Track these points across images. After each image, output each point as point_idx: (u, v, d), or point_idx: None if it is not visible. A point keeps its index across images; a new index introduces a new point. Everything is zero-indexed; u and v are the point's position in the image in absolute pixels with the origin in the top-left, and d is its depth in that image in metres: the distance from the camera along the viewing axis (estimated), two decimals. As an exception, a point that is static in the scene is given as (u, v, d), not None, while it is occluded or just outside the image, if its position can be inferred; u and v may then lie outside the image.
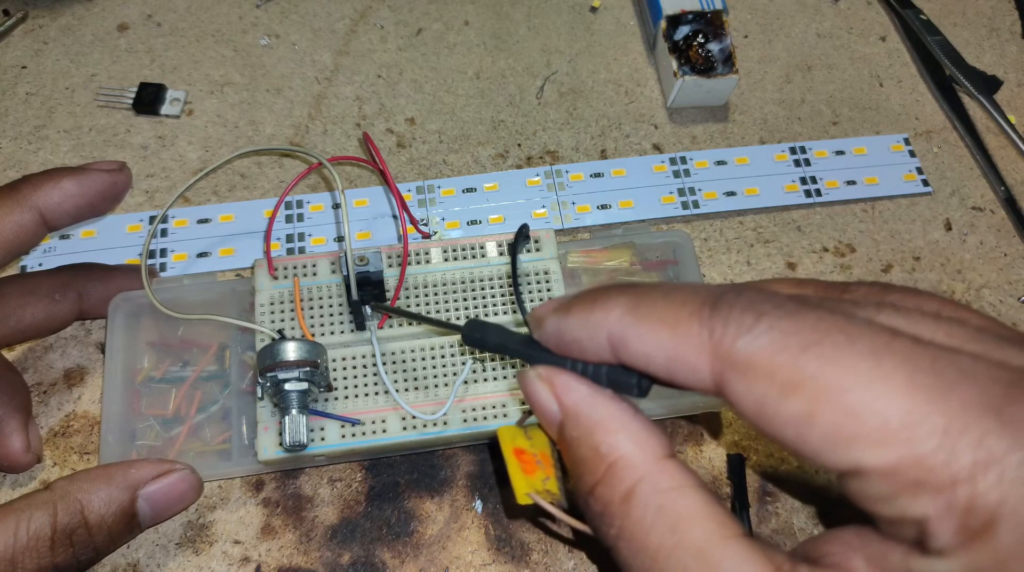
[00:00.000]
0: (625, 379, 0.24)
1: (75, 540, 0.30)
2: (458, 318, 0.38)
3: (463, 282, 0.39)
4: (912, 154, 0.48)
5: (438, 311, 0.38)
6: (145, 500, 0.32)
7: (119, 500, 0.31)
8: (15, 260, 0.42)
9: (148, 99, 0.47)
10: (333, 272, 0.39)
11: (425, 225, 0.44)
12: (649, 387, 0.24)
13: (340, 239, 0.44)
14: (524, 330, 0.37)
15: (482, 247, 0.40)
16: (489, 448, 0.39)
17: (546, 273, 0.39)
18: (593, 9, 0.53)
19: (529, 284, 0.39)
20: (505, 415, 0.36)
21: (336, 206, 0.45)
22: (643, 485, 0.22)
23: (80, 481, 0.31)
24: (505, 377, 0.37)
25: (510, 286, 0.39)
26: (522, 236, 0.38)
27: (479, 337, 0.28)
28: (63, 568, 0.30)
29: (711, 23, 0.47)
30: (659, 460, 0.22)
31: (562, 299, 0.25)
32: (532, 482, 0.27)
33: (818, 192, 0.46)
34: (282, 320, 0.37)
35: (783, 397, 0.19)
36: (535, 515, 0.37)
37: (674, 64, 0.47)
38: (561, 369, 0.25)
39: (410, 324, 0.38)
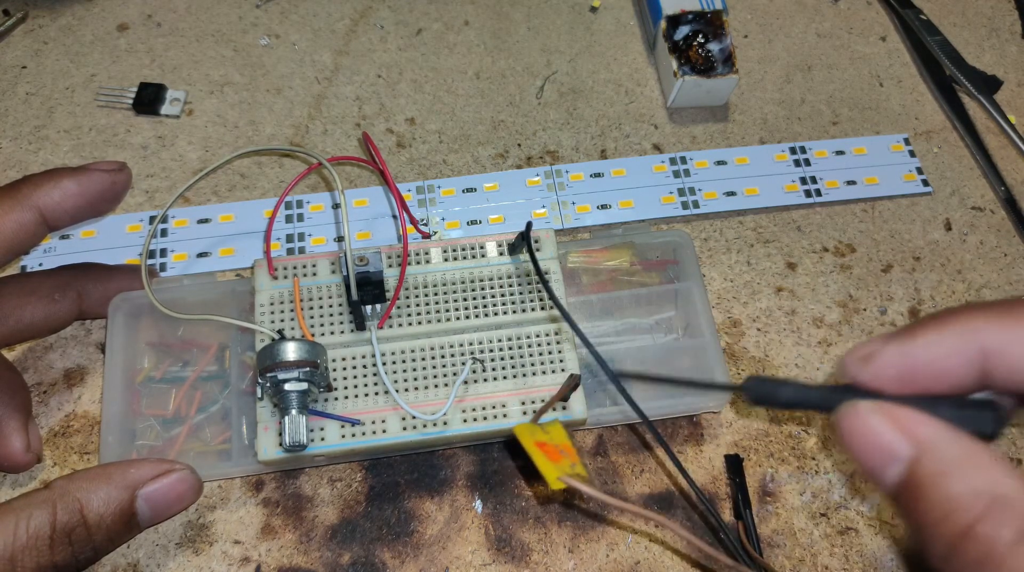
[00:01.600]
0: (978, 415, 0.22)
1: (74, 539, 0.30)
2: (459, 318, 0.38)
3: (463, 282, 0.39)
4: (912, 154, 0.48)
5: (438, 311, 0.38)
6: (144, 500, 0.32)
7: (118, 500, 0.31)
8: (15, 260, 0.42)
9: (148, 99, 0.47)
10: (333, 272, 0.39)
11: (425, 225, 0.44)
12: (1003, 425, 0.23)
13: (340, 239, 0.44)
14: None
15: (482, 247, 0.40)
16: (489, 448, 0.39)
17: (546, 273, 0.39)
18: (593, 9, 0.53)
19: (529, 284, 0.39)
20: (505, 415, 0.36)
21: (336, 206, 0.45)
22: None
23: (79, 480, 0.31)
24: (505, 378, 0.37)
25: (511, 286, 0.39)
26: (527, 234, 0.38)
27: (769, 393, 0.25)
28: (62, 567, 0.30)
29: (711, 23, 0.47)
30: None
31: (888, 334, 0.23)
32: (561, 468, 0.27)
33: (818, 192, 0.46)
34: (282, 320, 0.37)
35: None
36: (539, 514, 0.37)
37: (674, 64, 0.47)
38: (901, 406, 0.22)
39: (410, 325, 0.38)
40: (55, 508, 0.30)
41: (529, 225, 0.37)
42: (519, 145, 0.48)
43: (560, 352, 0.38)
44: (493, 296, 0.39)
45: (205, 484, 0.38)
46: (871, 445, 0.22)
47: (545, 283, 0.35)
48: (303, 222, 0.44)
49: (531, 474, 0.38)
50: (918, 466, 0.21)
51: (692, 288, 0.40)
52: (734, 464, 0.38)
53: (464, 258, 0.39)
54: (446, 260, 0.39)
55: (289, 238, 0.44)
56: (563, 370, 0.37)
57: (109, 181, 0.36)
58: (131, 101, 0.48)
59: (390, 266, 0.39)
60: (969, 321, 0.22)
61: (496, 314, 0.38)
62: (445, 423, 0.36)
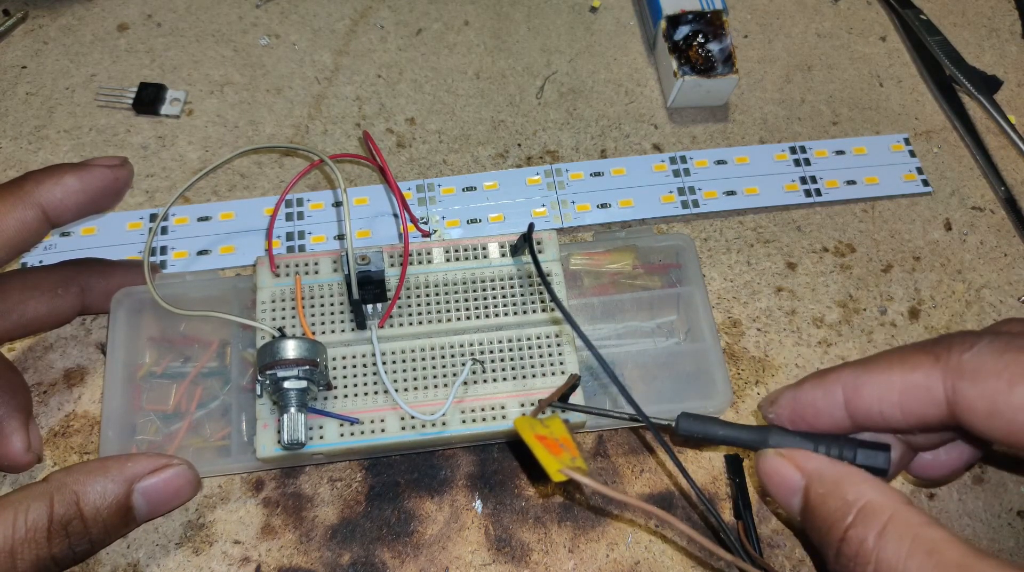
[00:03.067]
0: (875, 454, 0.29)
1: (71, 531, 0.30)
2: (460, 319, 0.38)
3: (464, 282, 0.39)
4: (912, 154, 0.48)
5: (439, 311, 0.38)
6: (141, 494, 0.32)
7: (115, 493, 0.31)
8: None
9: (148, 99, 0.47)
10: (335, 270, 0.39)
11: (425, 223, 0.44)
12: (888, 464, 0.29)
13: (340, 237, 0.44)
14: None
15: (484, 248, 0.40)
16: (489, 448, 0.39)
17: (548, 275, 0.39)
18: (593, 9, 0.53)
19: (531, 286, 0.39)
20: (504, 417, 0.36)
21: (336, 204, 0.45)
22: (896, 521, 0.25)
23: (76, 473, 0.31)
24: (505, 379, 0.37)
25: (512, 287, 0.39)
26: (529, 236, 0.38)
27: (698, 430, 0.32)
28: (59, 559, 0.30)
29: (711, 23, 0.47)
30: (903, 502, 0.25)
31: (790, 384, 0.31)
32: (562, 460, 0.28)
33: (818, 192, 0.46)
34: (283, 318, 0.37)
35: (1012, 387, 0.24)
36: (539, 514, 0.37)
37: (674, 64, 0.47)
38: (795, 449, 0.29)
39: (411, 324, 0.38)
40: (52, 501, 0.30)
41: (531, 226, 0.37)
42: (519, 145, 0.48)
43: (560, 354, 0.38)
44: (494, 297, 0.39)
45: (204, 482, 0.38)
46: (778, 480, 0.29)
47: (547, 284, 0.35)
48: (303, 220, 0.44)
49: (532, 469, 0.38)
50: (808, 491, 0.28)
51: (694, 292, 0.40)
52: (734, 464, 0.38)
53: (466, 258, 0.39)
54: (448, 260, 0.39)
55: (289, 236, 0.44)
56: (563, 372, 0.37)
57: (111, 177, 0.36)
58: (131, 101, 0.48)
59: (391, 265, 0.39)
60: (836, 374, 0.29)
61: (497, 315, 0.38)
62: (444, 423, 0.36)
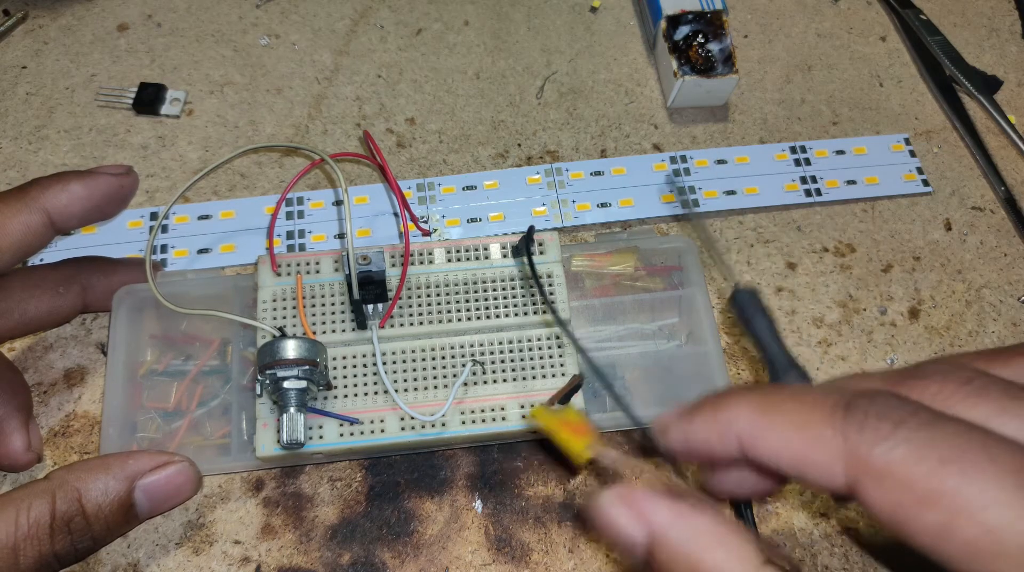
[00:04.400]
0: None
1: (73, 528, 0.30)
2: (460, 320, 0.38)
3: (465, 283, 0.39)
4: (912, 154, 0.48)
5: (440, 312, 0.38)
6: (142, 491, 0.32)
7: (116, 490, 0.31)
8: None
9: (148, 99, 0.47)
10: (336, 270, 0.39)
11: (425, 222, 0.44)
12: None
13: (341, 236, 0.44)
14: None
15: (486, 249, 0.39)
16: (489, 448, 0.39)
17: (549, 276, 0.39)
18: (593, 9, 0.53)
19: (532, 287, 0.39)
20: (504, 418, 0.36)
21: (336, 203, 0.45)
22: None
23: (78, 470, 0.31)
24: (505, 381, 0.37)
25: (513, 289, 0.39)
26: (529, 238, 0.38)
27: (748, 311, 0.30)
28: (62, 556, 0.30)
29: (711, 23, 0.47)
30: (758, 569, 0.22)
31: (683, 407, 0.26)
32: (586, 440, 0.28)
33: (818, 191, 0.46)
34: (284, 317, 0.37)
35: (921, 508, 0.20)
36: (539, 514, 0.37)
37: (674, 64, 0.47)
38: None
39: (411, 325, 0.38)
40: (54, 498, 0.30)
41: (531, 229, 0.37)
42: (519, 145, 0.48)
43: (561, 356, 0.38)
44: (495, 298, 0.39)
45: (205, 481, 0.38)
46: (615, 531, 0.24)
47: (541, 288, 0.35)
48: (303, 219, 0.44)
49: (543, 467, 0.38)
50: (654, 551, 0.23)
51: (696, 294, 0.40)
52: None
53: (467, 259, 0.39)
54: (449, 261, 0.39)
55: (290, 235, 0.44)
56: (563, 374, 0.37)
57: (116, 184, 0.36)
58: (131, 101, 0.48)
59: (392, 265, 0.39)
60: (730, 409, 0.25)
61: (498, 316, 0.38)
62: (443, 424, 0.36)
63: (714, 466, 0.28)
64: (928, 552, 0.20)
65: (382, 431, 0.36)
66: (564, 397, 0.36)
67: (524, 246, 0.38)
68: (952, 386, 0.23)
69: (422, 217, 0.44)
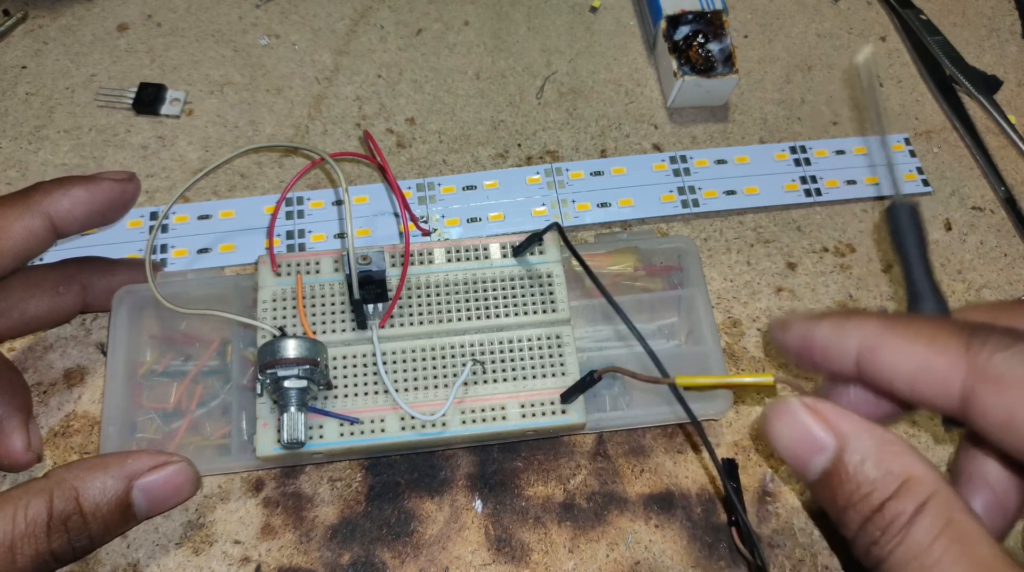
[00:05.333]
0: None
1: (70, 527, 0.30)
2: (460, 319, 0.38)
3: (466, 283, 0.39)
4: (912, 154, 0.48)
5: (440, 312, 0.38)
6: (141, 491, 0.32)
7: (114, 489, 0.31)
8: None
9: (148, 99, 0.47)
10: (336, 270, 0.39)
11: (425, 222, 0.44)
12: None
13: (340, 236, 0.44)
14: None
15: (486, 249, 0.39)
16: (489, 448, 0.39)
17: (549, 276, 0.39)
18: (593, 9, 0.53)
19: (532, 286, 0.39)
20: (504, 417, 0.36)
21: (336, 203, 0.45)
22: (935, 500, 0.23)
23: (76, 469, 0.31)
24: (505, 380, 0.37)
25: (513, 288, 0.39)
26: (536, 237, 0.38)
27: (904, 226, 0.29)
28: (59, 554, 0.30)
29: (711, 23, 0.47)
30: (946, 482, 0.24)
31: (812, 315, 0.28)
32: (760, 376, 0.29)
33: (818, 191, 0.46)
34: (284, 317, 0.37)
35: None
36: (539, 514, 0.37)
37: (674, 64, 0.47)
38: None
39: (412, 325, 0.38)
40: (52, 496, 0.30)
41: (557, 225, 0.38)
42: (519, 145, 0.48)
43: (561, 356, 0.38)
44: (495, 298, 0.39)
45: (205, 481, 0.38)
46: (801, 438, 0.25)
47: (586, 267, 0.36)
48: (303, 219, 0.44)
49: (547, 456, 0.38)
50: (842, 455, 0.25)
51: (695, 295, 0.40)
52: (729, 468, 0.38)
53: (467, 259, 0.39)
54: (449, 261, 0.39)
55: (289, 234, 0.44)
56: (564, 374, 0.37)
57: (119, 190, 0.36)
58: (131, 101, 0.48)
59: (392, 265, 0.39)
60: (859, 319, 0.26)
61: (498, 316, 0.38)
62: (444, 424, 0.36)
63: (824, 377, 0.29)
64: None
65: (382, 431, 0.36)
66: (573, 391, 0.36)
67: (532, 243, 0.38)
68: None
69: (422, 217, 0.44)
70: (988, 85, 0.50)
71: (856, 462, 0.24)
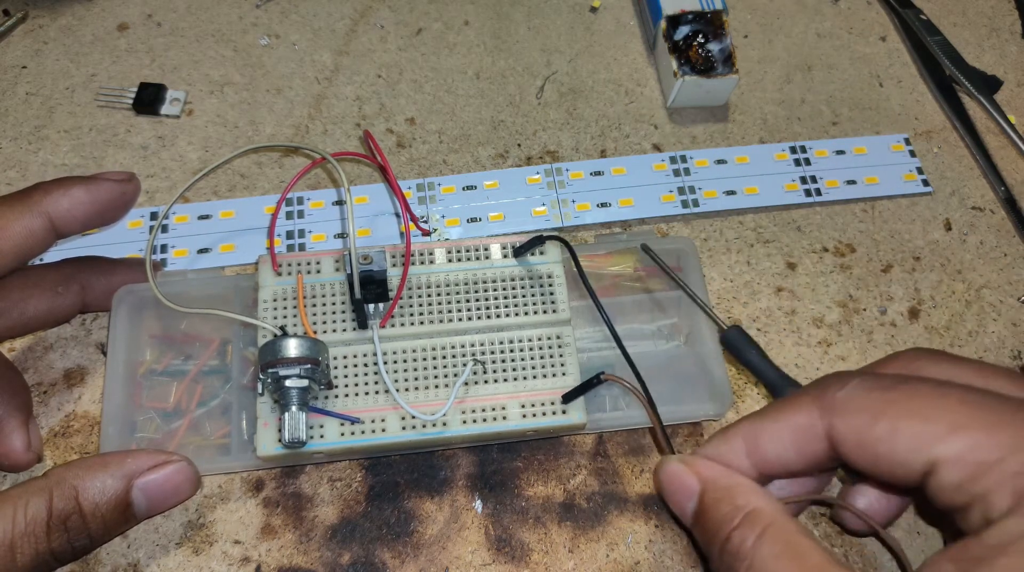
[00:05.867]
0: None
1: (69, 526, 0.30)
2: (461, 319, 0.38)
3: (466, 283, 0.39)
4: (912, 154, 0.48)
5: (440, 311, 0.38)
6: (140, 490, 0.32)
7: (114, 488, 0.31)
8: None
9: (148, 99, 0.47)
10: (336, 270, 0.39)
11: (425, 222, 0.44)
12: None
13: (341, 236, 0.44)
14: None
15: (486, 249, 0.40)
16: (489, 448, 0.39)
17: (550, 276, 0.39)
18: (593, 9, 0.53)
19: (533, 287, 0.39)
20: (504, 417, 0.36)
21: (337, 203, 0.45)
22: (774, 527, 0.28)
23: (76, 468, 0.31)
24: (505, 380, 0.37)
25: (513, 289, 0.39)
26: (538, 241, 0.39)
27: (739, 347, 0.36)
28: (58, 554, 0.30)
29: (711, 23, 0.47)
30: (783, 512, 0.29)
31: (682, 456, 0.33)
32: None
33: (818, 191, 0.46)
34: (284, 316, 0.37)
35: (874, 421, 0.27)
36: (539, 514, 0.37)
37: (674, 64, 0.47)
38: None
39: (412, 324, 0.38)
40: (51, 495, 0.30)
41: (563, 239, 0.38)
42: (519, 145, 0.48)
43: (562, 356, 0.38)
44: (496, 298, 0.39)
45: (205, 481, 0.38)
46: (676, 485, 0.32)
47: (586, 282, 0.36)
48: (304, 218, 0.44)
49: (547, 456, 0.38)
50: (703, 496, 0.31)
51: (695, 294, 0.40)
52: None
53: (468, 259, 0.39)
54: (450, 261, 0.39)
55: (290, 234, 0.44)
56: (564, 374, 0.37)
57: (119, 191, 0.36)
58: (131, 101, 0.48)
59: (393, 265, 0.39)
60: (737, 426, 0.32)
61: (499, 316, 0.38)
62: (444, 424, 0.36)
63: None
64: (884, 462, 0.27)
65: (383, 430, 0.36)
66: (575, 392, 0.36)
67: (533, 246, 0.39)
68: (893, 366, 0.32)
69: (422, 217, 0.44)
70: (988, 85, 0.50)
71: (713, 500, 0.30)
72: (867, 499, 0.34)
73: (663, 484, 0.33)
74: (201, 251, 0.43)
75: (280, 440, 0.34)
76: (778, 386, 0.35)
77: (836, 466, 0.31)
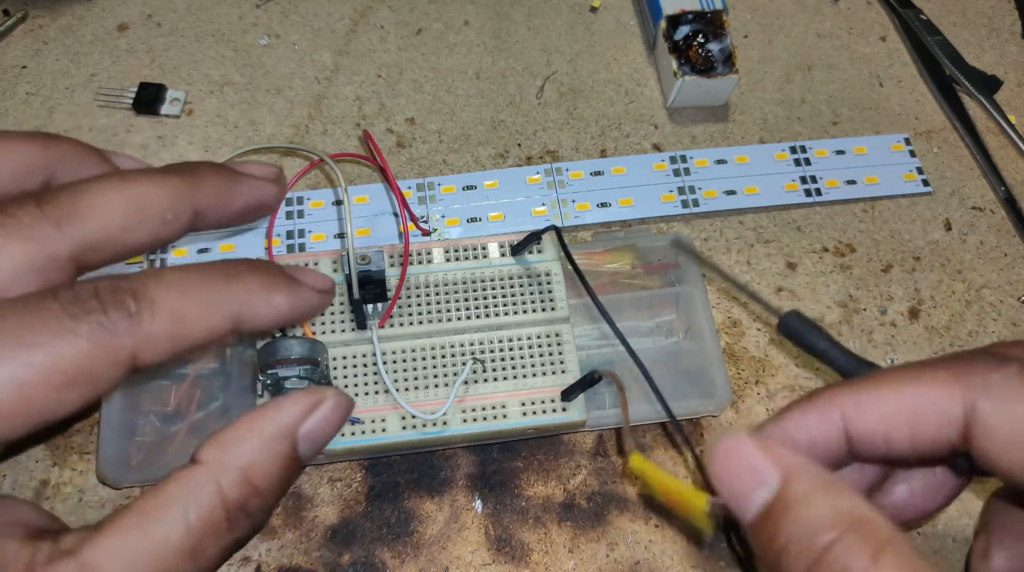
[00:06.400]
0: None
1: (251, 511, 0.26)
2: (460, 319, 0.38)
3: (465, 282, 0.39)
4: (912, 154, 0.48)
5: (439, 311, 0.38)
6: (304, 439, 0.27)
7: (282, 453, 0.26)
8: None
9: (148, 99, 0.47)
10: (335, 270, 0.39)
11: (425, 222, 0.44)
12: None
13: (340, 236, 0.44)
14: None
15: (484, 248, 0.40)
16: (489, 448, 0.39)
17: (548, 274, 0.39)
18: (593, 9, 0.53)
19: (531, 285, 0.39)
20: (505, 416, 0.36)
21: (336, 203, 0.45)
22: (894, 548, 0.20)
23: (231, 447, 0.26)
24: (505, 379, 0.37)
25: (512, 287, 0.39)
26: (535, 237, 0.38)
27: (802, 332, 0.30)
28: (242, 540, 0.26)
29: (711, 23, 0.47)
30: (898, 528, 0.21)
31: (754, 426, 0.26)
32: (702, 497, 0.26)
33: (818, 191, 0.46)
34: (282, 319, 0.37)
35: None
36: (539, 514, 0.37)
37: (674, 64, 0.47)
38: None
39: (411, 324, 0.38)
40: (220, 487, 0.25)
41: (555, 228, 0.38)
42: (519, 145, 0.48)
43: (561, 354, 0.38)
44: (495, 297, 0.39)
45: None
46: (743, 469, 0.23)
47: (580, 275, 0.36)
48: (303, 218, 0.44)
49: (547, 456, 0.38)
50: (785, 489, 0.22)
51: (693, 291, 0.40)
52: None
53: (466, 258, 0.39)
54: (448, 260, 0.39)
55: (289, 234, 0.44)
56: (564, 372, 0.37)
57: (272, 191, 0.30)
58: (131, 101, 0.48)
59: (392, 265, 0.39)
60: (830, 394, 0.25)
61: (497, 315, 0.38)
62: (445, 423, 0.36)
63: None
64: None
65: (383, 430, 0.36)
66: (573, 389, 0.36)
67: (530, 243, 0.38)
68: None
69: (422, 217, 0.44)
70: (988, 85, 0.50)
71: (801, 496, 0.22)
72: (908, 487, 0.28)
73: (723, 465, 0.24)
74: (201, 251, 0.43)
75: (280, 440, 0.34)
76: (855, 371, 0.29)
77: (946, 460, 0.25)
